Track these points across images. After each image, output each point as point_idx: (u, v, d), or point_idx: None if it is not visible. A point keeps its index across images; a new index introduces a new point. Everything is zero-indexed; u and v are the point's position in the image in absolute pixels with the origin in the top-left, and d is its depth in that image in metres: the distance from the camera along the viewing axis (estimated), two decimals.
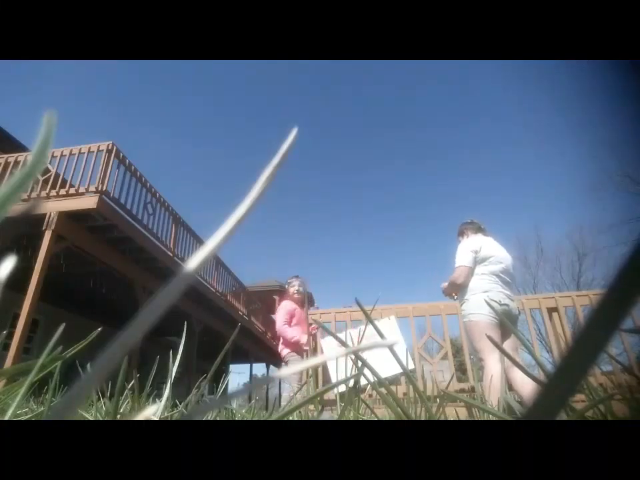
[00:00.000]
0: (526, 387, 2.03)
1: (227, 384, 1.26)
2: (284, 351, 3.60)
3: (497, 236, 2.63)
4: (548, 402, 0.12)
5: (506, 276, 2.38)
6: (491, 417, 0.60)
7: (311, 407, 0.86)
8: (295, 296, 3.68)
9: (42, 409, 0.85)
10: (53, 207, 4.79)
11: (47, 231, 4.67)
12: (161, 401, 0.65)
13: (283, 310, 3.57)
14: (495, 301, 2.23)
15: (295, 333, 3.45)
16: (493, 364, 2.10)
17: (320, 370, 2.99)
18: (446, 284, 2.54)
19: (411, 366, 3.35)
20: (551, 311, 3.49)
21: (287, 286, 3.86)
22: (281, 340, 3.60)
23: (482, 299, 2.24)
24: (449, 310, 3.59)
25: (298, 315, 3.59)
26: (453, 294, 2.61)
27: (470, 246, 2.44)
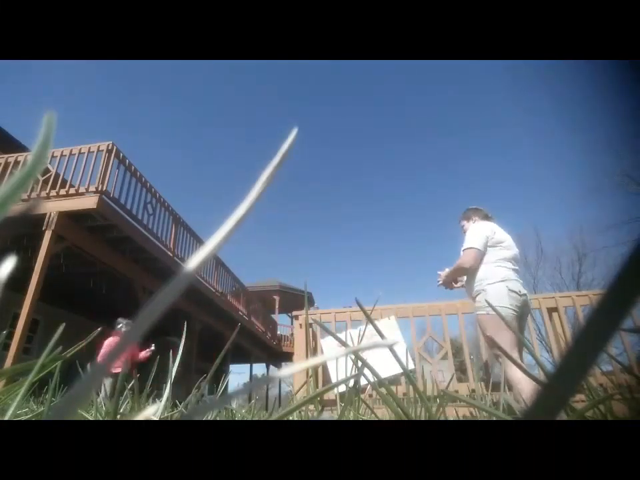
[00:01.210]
0: (523, 385, 1.86)
1: (227, 384, 1.26)
2: None
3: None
4: (548, 402, 0.12)
5: (517, 265, 2.16)
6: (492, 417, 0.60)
7: (311, 406, 0.86)
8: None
9: (42, 409, 0.85)
10: (53, 207, 4.79)
11: (47, 231, 4.67)
12: (160, 401, 0.65)
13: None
14: (515, 292, 1.99)
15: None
16: (519, 363, 1.96)
17: (320, 370, 2.99)
18: (446, 270, 2.29)
19: (411, 366, 3.35)
20: (551, 311, 3.50)
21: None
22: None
23: (502, 288, 1.99)
24: (449, 310, 3.59)
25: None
26: (453, 283, 2.36)
27: (483, 229, 2.17)
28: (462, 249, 2.19)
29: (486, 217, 2.38)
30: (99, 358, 3.87)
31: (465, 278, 2.30)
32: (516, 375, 1.83)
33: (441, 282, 2.34)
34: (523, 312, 2.03)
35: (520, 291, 2.00)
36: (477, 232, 2.17)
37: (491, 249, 2.13)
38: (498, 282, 2.02)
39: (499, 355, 1.91)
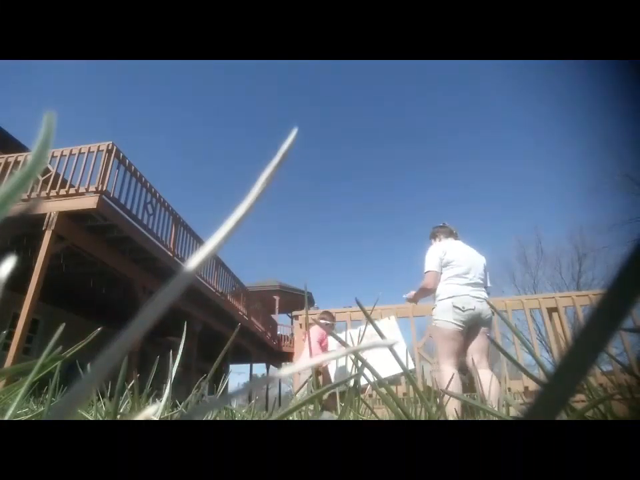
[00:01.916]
0: (492, 387, 2.07)
1: (227, 384, 1.26)
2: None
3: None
4: (548, 402, 0.12)
5: (475, 278, 2.41)
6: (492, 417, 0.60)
7: (311, 406, 0.86)
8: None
9: (42, 409, 0.85)
10: (53, 207, 4.79)
11: (47, 231, 4.67)
12: (160, 401, 0.65)
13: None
14: (459, 307, 2.28)
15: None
16: (447, 369, 2.22)
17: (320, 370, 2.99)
18: (412, 293, 2.60)
19: (411, 366, 3.35)
20: (551, 311, 3.50)
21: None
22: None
23: (447, 304, 2.32)
24: None
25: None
26: (419, 300, 2.67)
27: (436, 251, 2.51)
28: (423, 271, 2.54)
29: (451, 234, 2.66)
30: (311, 349, 3.64)
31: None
32: (443, 378, 2.17)
33: (408, 301, 2.69)
34: (472, 324, 2.33)
35: (464, 307, 2.29)
36: (431, 255, 2.51)
37: (444, 269, 2.45)
38: (445, 299, 2.35)
39: (437, 363, 2.31)
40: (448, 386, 1.97)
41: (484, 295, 2.39)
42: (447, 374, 2.16)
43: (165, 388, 0.68)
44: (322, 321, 3.84)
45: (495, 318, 2.51)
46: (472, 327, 2.32)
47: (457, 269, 2.41)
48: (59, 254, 5.17)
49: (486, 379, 2.09)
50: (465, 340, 2.33)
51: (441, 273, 2.44)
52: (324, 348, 3.61)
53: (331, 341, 3.48)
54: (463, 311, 2.28)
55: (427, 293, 2.53)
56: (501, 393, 2.11)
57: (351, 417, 0.76)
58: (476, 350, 2.31)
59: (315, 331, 3.74)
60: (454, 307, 2.29)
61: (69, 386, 0.13)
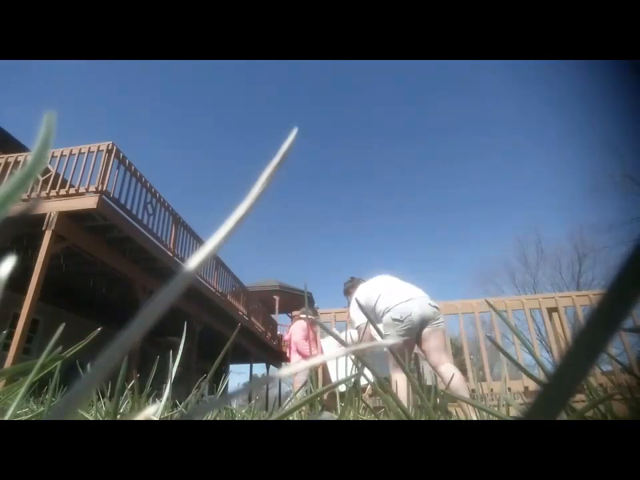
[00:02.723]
0: (455, 380, 2.09)
1: (227, 384, 1.26)
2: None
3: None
4: (548, 402, 0.12)
5: (396, 287, 2.43)
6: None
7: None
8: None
9: (42, 409, 0.85)
10: (53, 207, 4.79)
11: (47, 231, 4.67)
12: (160, 401, 0.65)
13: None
14: (397, 319, 2.25)
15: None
16: (398, 377, 2.17)
17: (320, 370, 2.99)
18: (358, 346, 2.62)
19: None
20: (551, 311, 3.50)
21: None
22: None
23: (387, 319, 2.29)
24: (448, 310, 3.59)
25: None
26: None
27: (353, 307, 2.52)
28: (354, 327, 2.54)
29: (359, 283, 2.69)
30: (298, 344, 3.87)
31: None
32: (401, 390, 2.10)
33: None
34: (416, 330, 2.31)
35: (401, 317, 2.26)
36: (352, 313, 2.54)
37: (371, 311, 2.42)
38: (384, 314, 2.33)
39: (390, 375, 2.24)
40: (447, 386, 1.97)
41: (419, 292, 2.38)
42: (400, 381, 2.11)
43: (165, 388, 0.68)
44: (302, 316, 3.99)
45: (441, 310, 2.51)
46: (417, 331, 2.29)
47: (381, 299, 2.39)
48: (59, 254, 5.17)
49: (448, 374, 2.09)
50: (414, 345, 2.31)
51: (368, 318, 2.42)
52: (312, 341, 3.69)
53: (330, 341, 3.48)
54: (402, 322, 2.25)
55: (367, 345, 2.49)
56: (465, 385, 2.14)
57: (351, 416, 0.76)
58: (433, 349, 2.29)
59: (298, 327, 3.87)
60: (393, 320, 2.26)
61: (69, 386, 0.13)
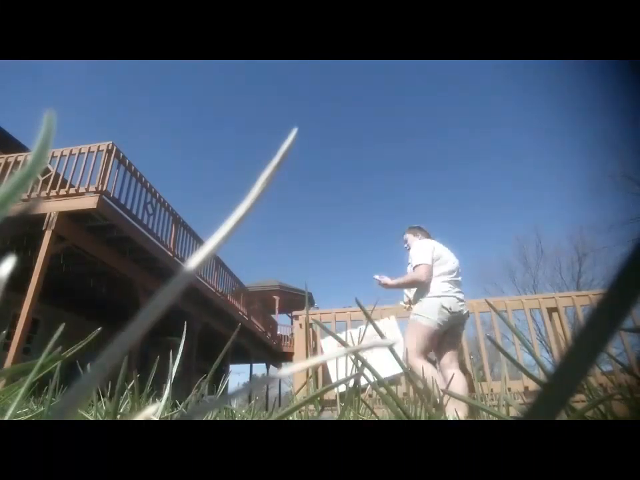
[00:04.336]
0: (458, 386, 2.13)
1: (227, 384, 1.26)
2: None
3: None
4: (548, 402, 0.12)
5: (456, 276, 2.44)
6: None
7: (311, 406, 0.86)
8: None
9: (42, 409, 0.85)
10: (53, 207, 4.79)
11: (47, 231, 4.67)
12: (160, 401, 0.65)
13: None
14: (446, 308, 2.27)
15: None
16: (418, 363, 2.18)
17: (320, 370, 2.99)
18: (389, 280, 2.48)
19: None
20: (551, 311, 3.49)
21: None
22: None
23: (436, 303, 2.29)
24: None
25: None
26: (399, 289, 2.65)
27: (427, 245, 2.47)
28: (413, 264, 2.44)
29: (427, 236, 2.68)
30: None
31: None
32: (418, 371, 2.10)
33: (383, 284, 2.54)
34: (451, 325, 2.33)
35: (450, 308, 2.27)
36: (424, 248, 2.45)
37: (434, 264, 2.40)
38: (434, 297, 2.32)
39: (407, 357, 2.25)
40: (448, 385, 2.00)
41: (462, 295, 2.42)
42: (419, 367, 2.13)
43: (165, 388, 0.68)
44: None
45: (474, 316, 2.55)
46: (451, 327, 2.33)
47: (444, 266, 2.39)
48: (59, 254, 5.17)
49: (456, 377, 2.14)
50: (439, 339, 2.34)
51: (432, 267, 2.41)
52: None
53: (330, 340, 3.48)
54: (450, 313, 2.27)
55: (417, 285, 2.44)
56: (467, 392, 2.19)
57: (351, 416, 0.76)
58: (450, 349, 2.34)
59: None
60: (442, 307, 2.27)
61: (69, 386, 0.13)
